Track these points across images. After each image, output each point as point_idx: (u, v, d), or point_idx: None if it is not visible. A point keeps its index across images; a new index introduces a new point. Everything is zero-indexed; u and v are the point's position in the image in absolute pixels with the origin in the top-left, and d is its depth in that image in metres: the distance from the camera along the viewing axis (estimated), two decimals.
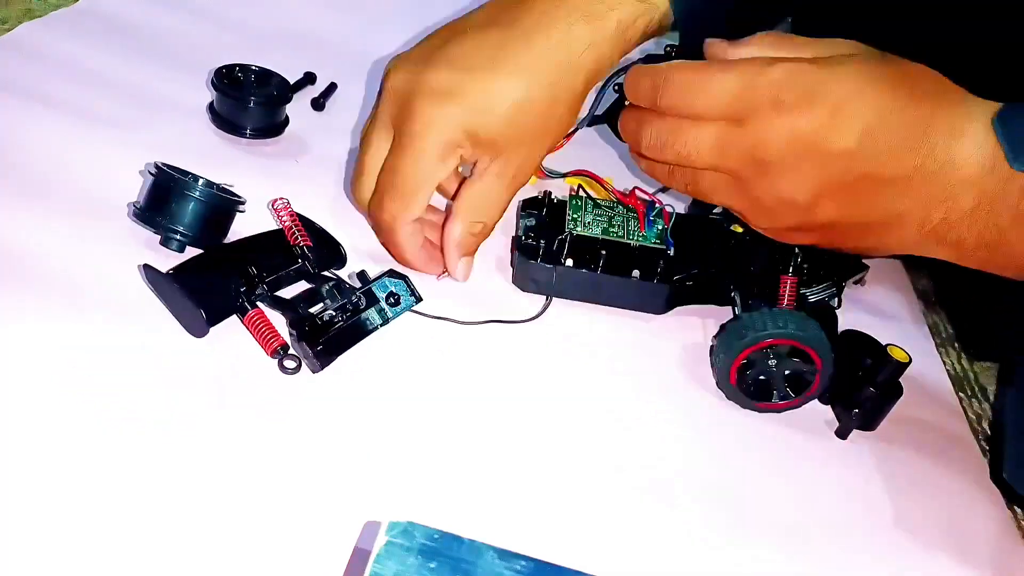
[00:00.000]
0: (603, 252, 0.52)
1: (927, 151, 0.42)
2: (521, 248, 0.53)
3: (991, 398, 0.58)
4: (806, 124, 0.43)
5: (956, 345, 0.62)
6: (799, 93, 0.43)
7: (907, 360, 0.48)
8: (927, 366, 0.58)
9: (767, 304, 0.51)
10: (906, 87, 0.43)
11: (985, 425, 0.55)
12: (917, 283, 0.66)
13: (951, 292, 0.65)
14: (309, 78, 0.67)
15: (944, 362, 0.59)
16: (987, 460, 0.51)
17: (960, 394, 0.57)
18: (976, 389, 0.58)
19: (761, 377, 0.49)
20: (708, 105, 0.45)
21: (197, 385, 0.42)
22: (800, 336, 0.47)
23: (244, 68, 0.61)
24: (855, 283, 0.59)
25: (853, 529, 0.45)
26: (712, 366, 0.51)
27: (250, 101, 0.59)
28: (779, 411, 0.50)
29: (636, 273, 0.53)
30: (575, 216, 0.54)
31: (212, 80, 0.59)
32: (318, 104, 0.65)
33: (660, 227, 0.54)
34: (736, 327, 0.49)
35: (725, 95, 0.44)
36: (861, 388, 0.49)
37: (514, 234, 0.56)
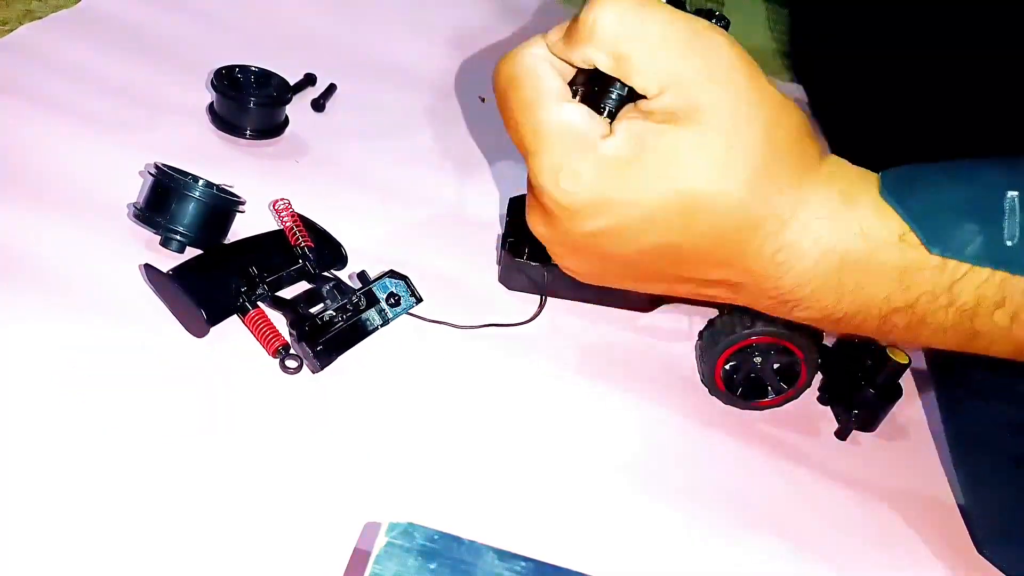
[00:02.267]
0: None
1: (740, 269, 0.36)
2: (508, 247, 0.53)
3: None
4: (578, 235, 0.36)
5: None
6: (577, 202, 0.35)
7: (907, 361, 0.48)
8: (927, 366, 0.58)
9: None
10: (719, 198, 0.35)
11: None
12: None
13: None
14: (309, 79, 0.67)
15: None
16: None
17: None
18: None
19: (751, 375, 0.49)
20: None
21: (197, 385, 0.42)
22: (772, 331, 0.47)
23: (244, 69, 0.61)
24: None
25: (852, 529, 0.45)
26: (700, 376, 0.51)
27: (250, 102, 0.59)
28: (774, 407, 0.50)
29: None
30: None
31: (212, 81, 0.59)
32: (318, 105, 0.65)
33: None
34: (709, 335, 0.49)
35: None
36: (860, 389, 0.49)
37: (500, 232, 0.56)
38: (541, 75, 0.38)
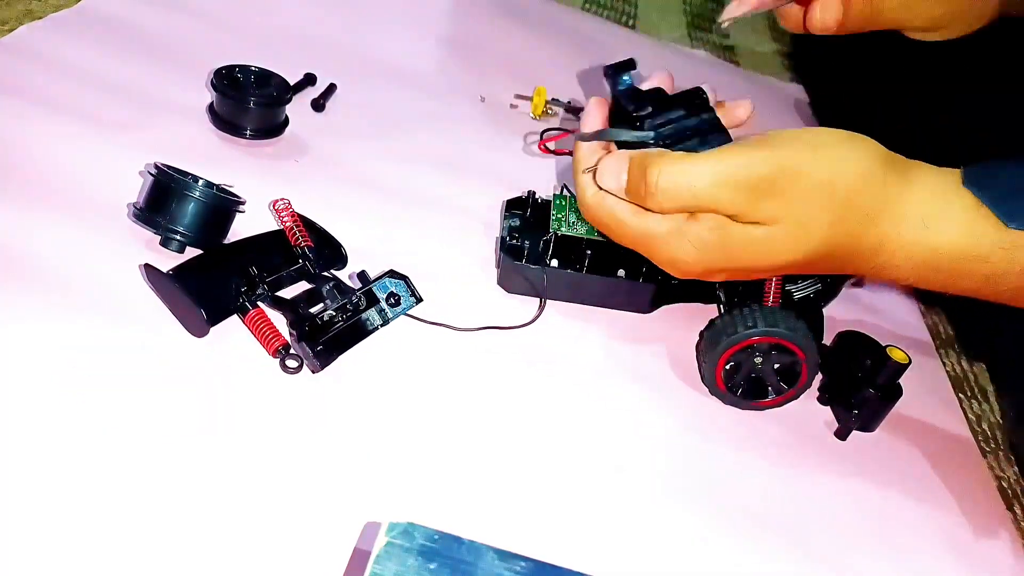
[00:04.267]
0: (588, 252, 0.52)
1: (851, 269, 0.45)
2: (506, 249, 0.53)
3: (991, 398, 0.58)
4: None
5: (956, 346, 0.62)
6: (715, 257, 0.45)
7: (907, 361, 0.48)
8: (927, 366, 0.58)
9: (752, 302, 0.51)
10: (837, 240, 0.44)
11: (985, 426, 0.55)
12: None
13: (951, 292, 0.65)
14: (309, 79, 0.67)
15: (944, 363, 0.59)
16: (986, 461, 0.51)
17: (960, 394, 0.57)
18: (976, 389, 0.58)
19: (752, 375, 0.49)
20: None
21: (197, 385, 0.42)
22: (774, 331, 0.47)
23: (244, 69, 0.61)
24: (853, 285, 0.59)
25: (852, 529, 0.45)
26: (700, 376, 0.51)
27: (250, 102, 0.59)
28: (774, 407, 0.50)
29: (621, 272, 0.53)
30: (559, 216, 0.54)
31: (212, 81, 0.59)
32: (318, 105, 0.65)
33: None
34: (710, 335, 0.49)
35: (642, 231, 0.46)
36: (861, 389, 0.49)
37: (498, 235, 0.56)
38: (613, 207, 0.47)
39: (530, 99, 0.73)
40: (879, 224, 0.43)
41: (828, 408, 0.51)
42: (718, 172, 0.42)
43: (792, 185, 0.42)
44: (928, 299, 0.65)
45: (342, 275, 0.50)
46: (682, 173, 0.43)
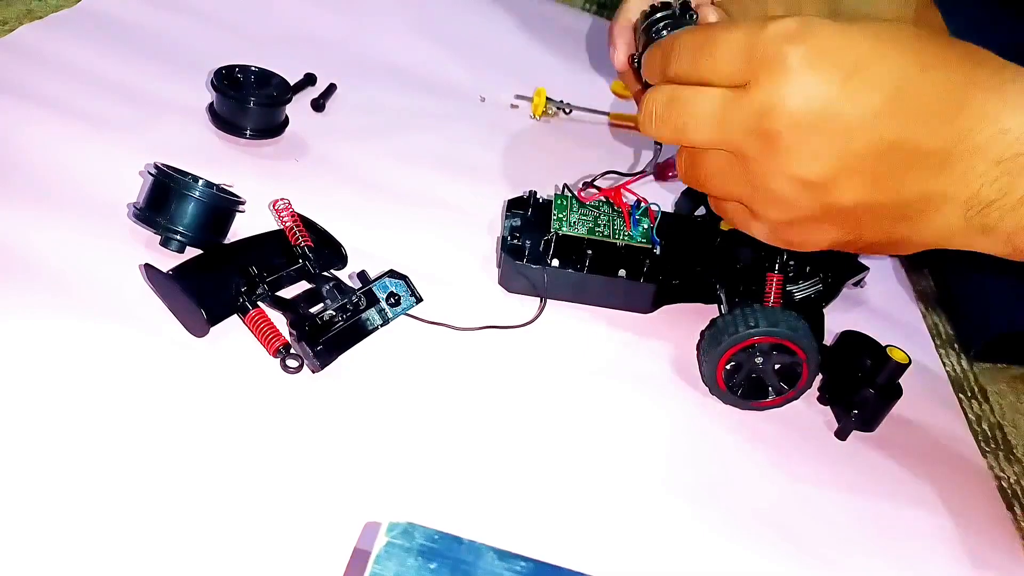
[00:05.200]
0: (589, 252, 0.52)
1: (968, 121, 0.36)
2: (507, 249, 0.53)
3: (991, 398, 0.58)
4: (819, 87, 0.37)
5: (956, 346, 0.62)
6: (811, 50, 0.37)
7: (907, 361, 0.48)
8: (927, 366, 0.58)
9: (753, 302, 0.51)
10: (935, 50, 0.37)
11: (985, 426, 0.55)
12: (917, 284, 0.66)
13: (951, 293, 0.65)
14: (309, 79, 0.67)
15: (944, 363, 0.59)
16: (986, 461, 0.51)
17: (960, 395, 0.57)
18: (976, 390, 0.58)
19: (753, 375, 0.49)
20: (711, 68, 0.39)
21: (197, 385, 0.42)
22: (775, 331, 0.47)
23: (244, 69, 0.61)
24: (855, 285, 0.59)
25: (853, 529, 0.45)
26: (701, 375, 0.51)
27: (250, 102, 0.59)
28: (775, 407, 0.50)
29: (622, 272, 0.53)
30: (560, 216, 0.54)
31: (212, 81, 0.59)
32: (318, 105, 0.65)
33: (646, 226, 0.54)
34: (711, 335, 0.49)
35: (728, 54, 0.39)
36: (861, 389, 0.49)
37: (499, 234, 0.56)
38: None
39: (530, 99, 0.73)
40: (990, 70, 0.37)
41: (828, 408, 0.51)
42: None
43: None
44: (928, 299, 0.65)
45: (342, 275, 0.50)
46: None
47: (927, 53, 0.37)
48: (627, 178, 0.54)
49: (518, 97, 0.74)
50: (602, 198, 0.55)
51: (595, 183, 0.55)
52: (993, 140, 0.36)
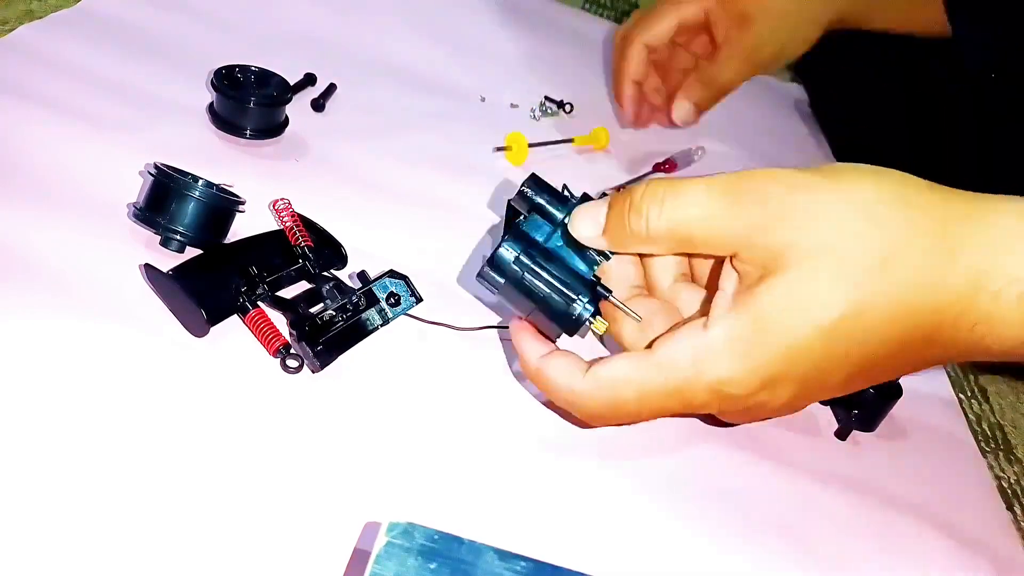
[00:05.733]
0: None
1: (943, 342, 0.36)
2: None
3: (991, 398, 0.58)
4: (761, 410, 0.39)
5: None
6: (743, 391, 0.37)
7: None
8: None
9: None
10: (896, 289, 0.34)
11: (985, 426, 0.55)
12: None
13: None
14: (309, 79, 0.67)
15: None
16: (986, 461, 0.51)
17: (960, 395, 0.57)
18: (976, 390, 0.58)
19: None
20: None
21: (197, 385, 0.42)
22: None
23: (244, 69, 0.61)
24: None
25: (852, 529, 0.45)
26: None
27: (250, 102, 0.59)
28: None
29: None
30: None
31: (212, 81, 0.59)
32: (318, 105, 0.65)
33: None
34: None
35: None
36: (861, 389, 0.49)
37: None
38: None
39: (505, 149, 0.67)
40: (964, 253, 0.34)
41: (828, 408, 0.51)
42: (712, 184, 0.37)
43: (806, 207, 0.35)
44: None
45: (342, 275, 0.50)
46: (672, 186, 0.37)
47: (882, 320, 0.35)
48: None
49: (497, 149, 0.68)
50: None
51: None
52: (968, 343, 0.36)
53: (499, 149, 0.67)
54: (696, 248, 0.38)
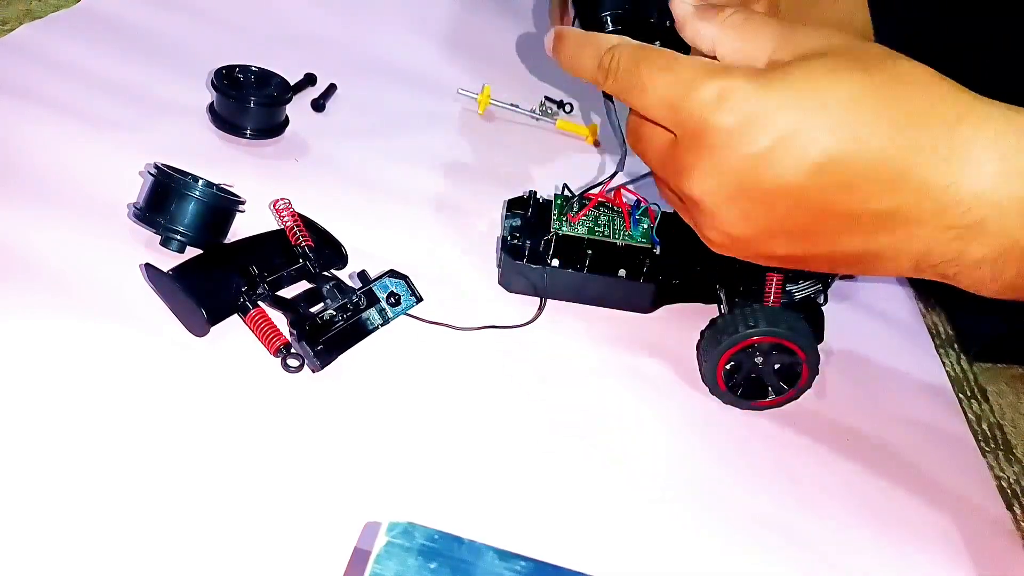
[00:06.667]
0: (589, 252, 0.52)
1: (906, 195, 0.35)
2: (507, 249, 0.53)
3: (991, 398, 0.58)
4: (737, 160, 0.37)
5: (956, 346, 0.62)
6: (733, 121, 0.36)
7: None
8: (927, 366, 0.58)
9: (753, 302, 0.51)
10: (870, 116, 0.36)
11: (985, 426, 0.55)
12: (917, 283, 0.66)
13: (951, 292, 0.65)
14: (309, 79, 0.67)
15: (944, 362, 0.59)
16: (986, 461, 0.51)
17: (960, 395, 0.57)
18: (976, 389, 0.58)
19: (752, 375, 0.49)
20: (644, 107, 0.40)
21: (197, 385, 0.42)
22: (775, 331, 0.47)
23: (244, 69, 0.61)
24: (843, 277, 0.59)
25: (852, 529, 0.45)
26: (701, 375, 0.51)
27: (250, 102, 0.59)
28: (774, 407, 0.50)
29: (622, 272, 0.53)
30: (560, 216, 0.54)
31: (212, 81, 0.59)
32: (318, 105, 0.65)
33: (646, 226, 0.54)
34: (711, 334, 0.49)
35: (658, 104, 0.39)
36: None
37: (499, 234, 0.56)
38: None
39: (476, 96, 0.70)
40: (948, 126, 0.35)
41: (828, 408, 0.51)
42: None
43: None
44: (928, 299, 0.65)
45: (342, 275, 0.50)
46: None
47: (860, 122, 0.35)
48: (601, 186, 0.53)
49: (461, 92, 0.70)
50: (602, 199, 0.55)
51: (592, 189, 0.54)
52: (938, 213, 0.35)
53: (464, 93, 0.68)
54: None
